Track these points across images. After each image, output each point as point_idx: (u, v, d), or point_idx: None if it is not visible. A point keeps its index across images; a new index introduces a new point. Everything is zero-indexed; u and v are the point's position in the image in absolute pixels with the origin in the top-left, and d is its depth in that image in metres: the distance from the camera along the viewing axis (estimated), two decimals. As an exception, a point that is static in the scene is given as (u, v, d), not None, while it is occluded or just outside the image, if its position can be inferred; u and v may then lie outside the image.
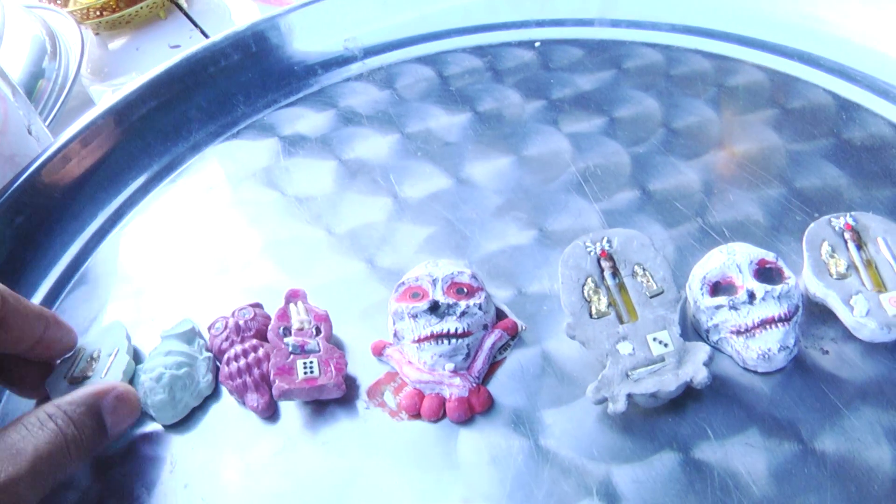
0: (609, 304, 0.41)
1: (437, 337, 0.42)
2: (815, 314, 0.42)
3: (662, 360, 0.39)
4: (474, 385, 0.41)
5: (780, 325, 0.40)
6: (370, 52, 0.68)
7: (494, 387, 0.42)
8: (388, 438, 0.41)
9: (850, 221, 0.43)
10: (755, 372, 0.41)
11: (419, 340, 0.42)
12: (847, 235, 0.43)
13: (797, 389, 0.40)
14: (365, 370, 0.44)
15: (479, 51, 0.67)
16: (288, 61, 0.68)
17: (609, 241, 0.43)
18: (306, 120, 0.62)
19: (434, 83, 0.64)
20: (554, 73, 0.62)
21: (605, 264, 0.43)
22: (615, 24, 0.66)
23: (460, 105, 0.61)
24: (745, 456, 0.38)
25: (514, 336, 0.44)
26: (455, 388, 0.41)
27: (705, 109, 0.56)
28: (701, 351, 0.39)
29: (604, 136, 0.56)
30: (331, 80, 0.67)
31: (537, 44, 0.66)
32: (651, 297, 0.41)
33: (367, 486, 0.39)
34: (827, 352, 0.41)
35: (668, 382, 0.38)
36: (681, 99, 0.58)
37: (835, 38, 0.59)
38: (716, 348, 0.41)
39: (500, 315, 0.45)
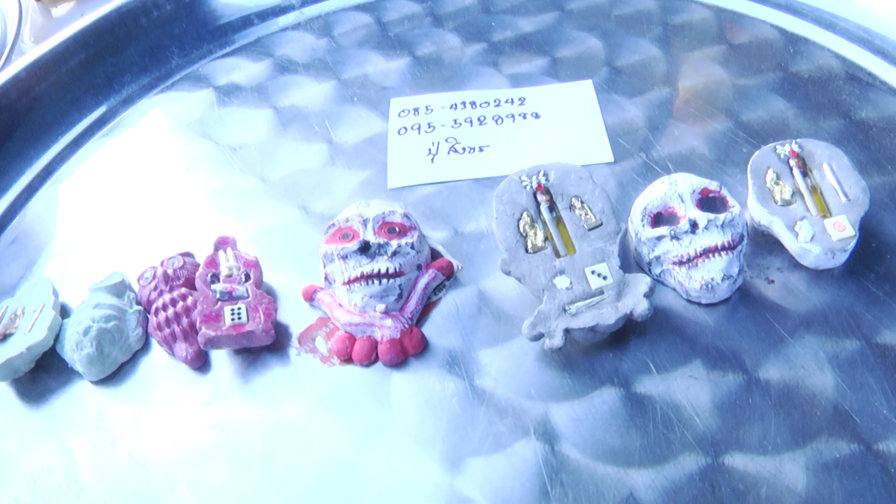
0: (545, 239, 0.40)
1: (368, 277, 0.40)
2: (761, 244, 0.41)
3: (601, 293, 0.37)
4: (407, 326, 0.39)
5: (723, 253, 0.38)
6: (308, 0, 0.65)
7: (429, 328, 0.41)
8: (319, 384, 0.39)
9: (796, 148, 0.42)
10: (699, 304, 0.39)
11: (349, 282, 0.40)
12: (792, 162, 0.41)
13: (742, 320, 0.39)
14: (298, 317, 0.42)
15: (418, -3, 0.64)
16: (223, 11, 0.65)
17: (546, 175, 0.41)
18: (241, 70, 0.60)
19: (373, 30, 0.62)
20: (495, 16, 0.60)
21: (542, 198, 0.41)
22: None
23: (398, 50, 0.59)
24: (688, 389, 0.36)
25: (449, 276, 0.42)
26: (387, 330, 0.39)
27: (650, 48, 0.55)
28: (641, 282, 0.37)
29: (545, 76, 0.54)
30: (268, 30, 0.65)
31: (480, -13, 0.63)
32: (589, 230, 0.39)
33: (299, 433, 0.37)
34: (772, 281, 0.40)
35: (607, 315, 0.36)
36: (625, 38, 0.56)
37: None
38: (659, 281, 0.40)
39: (434, 255, 0.43)
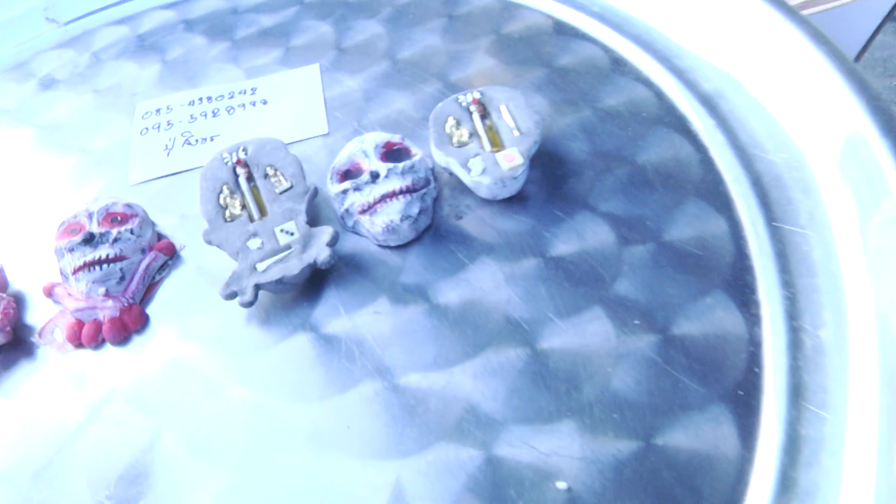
0: (242, 207, 0.42)
1: (90, 265, 0.42)
2: (455, 187, 0.44)
3: (289, 248, 0.40)
4: (126, 305, 0.41)
5: (400, 197, 0.41)
6: (70, 20, 0.67)
7: (155, 306, 0.42)
8: (56, 373, 0.41)
9: (477, 95, 0.45)
10: (389, 247, 0.42)
11: (75, 271, 0.42)
12: (473, 108, 0.44)
13: (429, 256, 0.41)
14: (47, 315, 0.43)
15: (173, 6, 0.66)
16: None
17: (245, 150, 0.44)
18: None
19: (130, 41, 0.63)
20: (241, 15, 0.63)
21: (241, 171, 0.43)
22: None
23: (151, 57, 0.60)
24: (372, 324, 0.39)
25: (171, 256, 0.44)
26: (107, 310, 0.41)
27: (376, 27, 0.58)
28: (324, 233, 0.40)
29: (279, 65, 0.56)
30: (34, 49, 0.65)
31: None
32: (281, 193, 0.42)
33: (31, 424, 0.39)
34: (461, 217, 0.43)
35: (292, 267, 0.39)
36: (354, 22, 0.59)
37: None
38: (355, 232, 0.43)
39: (161, 238, 0.45)
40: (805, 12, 0.67)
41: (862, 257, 0.36)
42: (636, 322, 0.36)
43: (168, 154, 0.51)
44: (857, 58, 1.13)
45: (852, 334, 0.34)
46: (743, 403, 0.34)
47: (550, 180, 0.44)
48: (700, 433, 0.33)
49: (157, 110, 0.55)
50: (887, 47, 2.05)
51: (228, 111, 0.53)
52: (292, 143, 0.49)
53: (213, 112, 0.53)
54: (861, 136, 0.38)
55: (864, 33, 1.11)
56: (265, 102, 0.53)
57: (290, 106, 0.52)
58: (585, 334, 0.36)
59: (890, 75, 1.93)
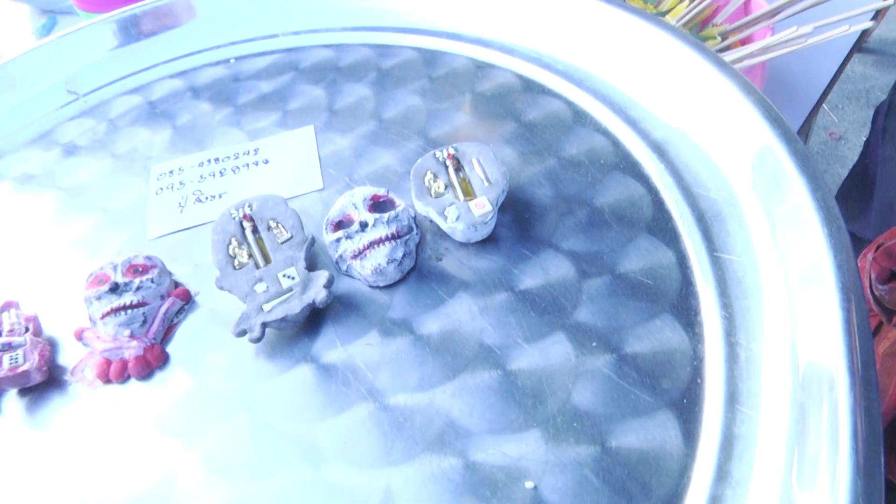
0: (249, 256, 0.48)
1: (116, 310, 0.48)
2: (435, 232, 0.50)
3: (290, 290, 0.46)
4: (149, 344, 0.47)
5: (386, 243, 0.47)
6: (89, 91, 0.74)
7: (174, 345, 0.48)
8: (88, 406, 0.46)
9: (451, 151, 0.51)
10: (379, 287, 0.48)
11: (103, 317, 0.48)
12: (448, 162, 0.51)
13: (413, 294, 0.47)
14: (77, 356, 0.49)
15: (181, 74, 0.73)
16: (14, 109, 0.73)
17: (250, 206, 0.50)
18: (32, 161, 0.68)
19: (143, 109, 0.70)
20: (242, 82, 0.70)
21: (247, 224, 0.49)
22: (296, 32, 0.74)
23: (163, 123, 0.67)
24: (364, 354, 0.45)
25: (187, 301, 0.50)
26: (132, 350, 0.47)
27: (364, 90, 0.65)
28: (321, 277, 0.46)
29: (277, 127, 0.63)
30: (57, 120, 0.72)
31: (232, 60, 0.73)
32: (282, 243, 0.48)
33: (66, 454, 0.44)
34: (440, 259, 0.49)
35: (293, 307, 0.45)
36: (344, 85, 0.66)
37: (476, 15, 0.69)
38: (348, 275, 0.49)
39: (177, 286, 0.51)
40: (767, 56, 0.74)
41: (782, 283, 0.42)
42: (594, 344, 0.42)
43: (181, 211, 0.57)
44: (829, 88, 1.19)
45: (774, 346, 0.40)
46: (687, 410, 0.39)
47: (519, 223, 0.50)
48: (649, 436, 0.38)
49: (171, 172, 0.61)
50: (869, 78, 2.13)
51: (234, 171, 0.59)
52: (292, 197, 0.55)
53: (220, 172, 0.60)
54: (786, 175, 0.44)
55: (833, 65, 1.18)
56: (266, 162, 0.59)
57: (288, 164, 0.59)
58: (549, 356, 0.42)
59: (872, 105, 2.00)
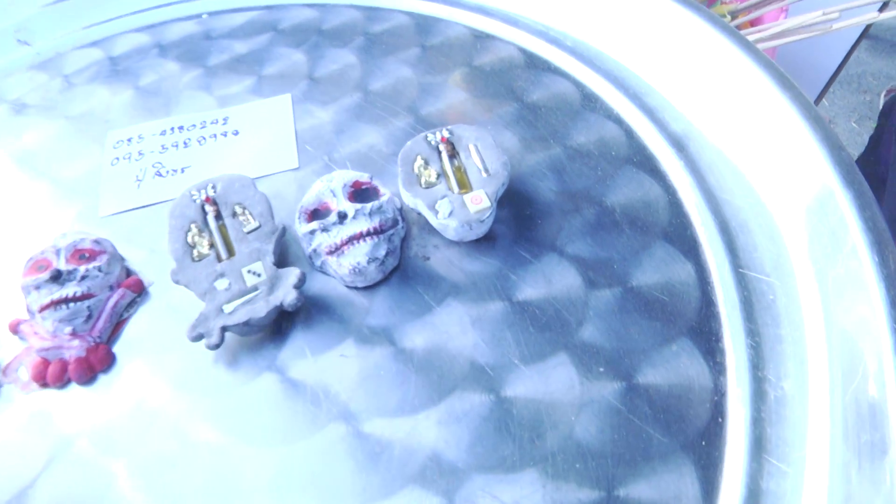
0: (210, 246, 0.41)
1: (57, 303, 0.41)
2: (423, 226, 0.44)
3: (256, 289, 0.40)
4: (93, 344, 0.41)
5: (367, 238, 0.41)
6: (43, 41, 0.66)
7: (122, 344, 0.42)
8: (19, 412, 0.40)
9: (446, 134, 0.45)
10: (357, 288, 0.41)
11: (41, 310, 0.41)
12: (442, 147, 0.44)
13: (396, 298, 0.41)
14: (12, 352, 0.43)
15: (147, 29, 0.66)
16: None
17: (213, 187, 0.44)
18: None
19: (103, 65, 0.62)
20: (215, 41, 0.62)
21: (209, 209, 0.43)
22: (277, -12, 0.67)
23: (124, 83, 0.60)
24: (338, 367, 0.39)
25: (139, 293, 0.44)
26: (73, 350, 0.41)
27: (349, 57, 0.58)
28: (291, 275, 0.40)
29: (251, 94, 0.56)
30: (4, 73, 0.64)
31: (204, 16, 0.66)
32: (248, 233, 0.42)
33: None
34: (428, 258, 0.43)
35: (258, 309, 0.39)
36: (327, 50, 0.59)
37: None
38: (323, 272, 0.42)
39: (130, 274, 0.45)
40: (783, 41, 0.68)
41: (821, 309, 0.36)
42: (601, 369, 0.37)
43: (139, 186, 0.50)
44: (834, 76, 1.14)
45: (813, 387, 0.34)
46: (705, 454, 0.34)
47: (518, 221, 0.44)
48: (662, 484, 0.33)
49: (129, 139, 0.54)
50: (861, 63, 2.08)
51: (200, 142, 0.53)
52: (262, 176, 0.49)
53: (184, 142, 0.53)
54: (826, 186, 0.38)
55: (840, 52, 1.13)
56: (236, 133, 0.53)
57: (261, 137, 0.52)
58: (550, 381, 0.37)
59: (863, 91, 1.95)
